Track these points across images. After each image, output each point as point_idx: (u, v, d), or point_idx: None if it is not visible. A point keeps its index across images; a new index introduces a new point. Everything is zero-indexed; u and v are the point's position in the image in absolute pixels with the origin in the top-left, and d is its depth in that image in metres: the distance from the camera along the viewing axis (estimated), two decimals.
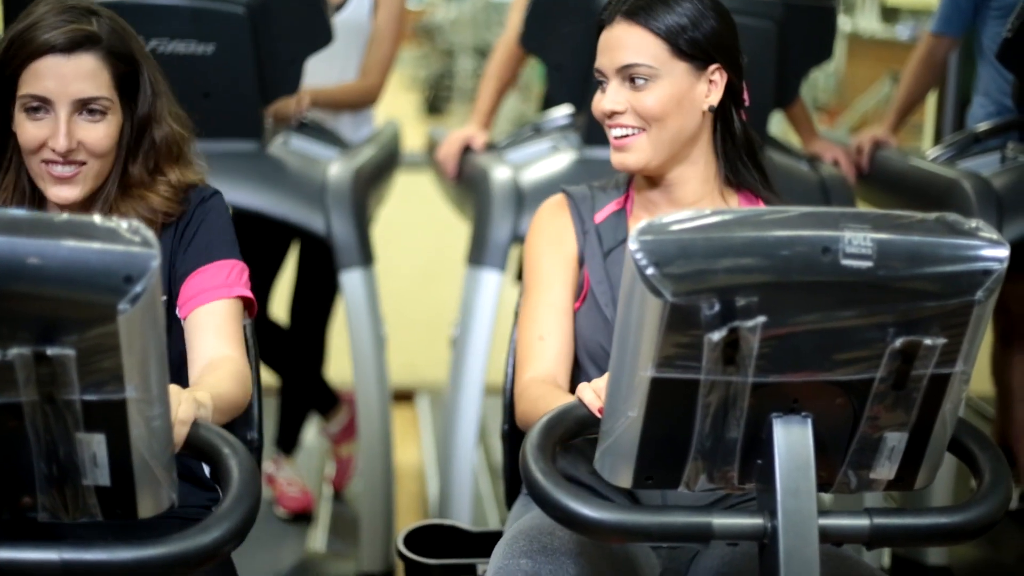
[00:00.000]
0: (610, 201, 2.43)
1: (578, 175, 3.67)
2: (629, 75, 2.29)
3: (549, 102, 4.58)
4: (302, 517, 4.41)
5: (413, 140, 5.89)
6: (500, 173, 3.75)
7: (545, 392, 2.22)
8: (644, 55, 2.28)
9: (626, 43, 2.29)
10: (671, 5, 2.29)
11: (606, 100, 2.31)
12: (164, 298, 2.19)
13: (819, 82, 10.58)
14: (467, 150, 4.08)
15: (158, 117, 2.27)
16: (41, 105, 2.15)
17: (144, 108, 2.26)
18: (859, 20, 11.09)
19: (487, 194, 3.72)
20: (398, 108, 17.12)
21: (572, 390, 2.36)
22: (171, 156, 2.29)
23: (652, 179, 2.37)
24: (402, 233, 7.06)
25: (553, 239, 2.41)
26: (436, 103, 17.21)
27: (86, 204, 2.25)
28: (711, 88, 2.31)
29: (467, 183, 3.99)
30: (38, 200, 2.26)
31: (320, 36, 3.77)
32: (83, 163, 2.19)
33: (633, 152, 2.30)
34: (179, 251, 2.27)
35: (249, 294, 2.28)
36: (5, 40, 2.17)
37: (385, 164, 4.35)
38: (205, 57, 3.50)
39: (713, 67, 2.29)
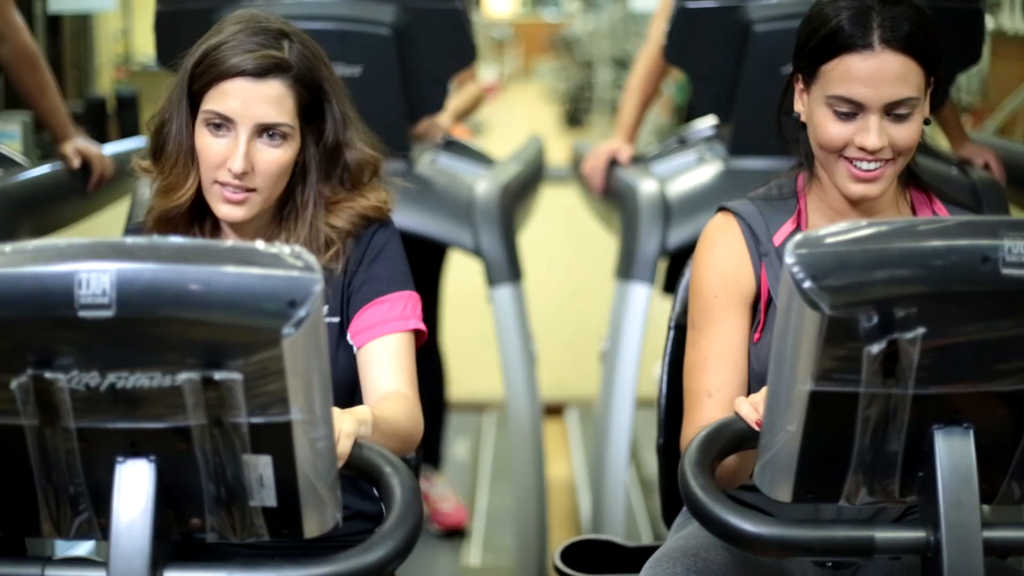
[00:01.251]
0: (784, 218, 2.27)
1: (725, 186, 3.66)
2: (894, 109, 2.13)
3: (693, 113, 4.57)
4: (455, 532, 4.44)
5: (554, 153, 5.91)
6: (647, 186, 3.75)
7: None
8: (912, 87, 2.13)
9: (894, 74, 2.11)
10: (919, 23, 2.14)
11: (871, 137, 2.12)
12: (336, 320, 2.26)
13: (963, 83, 10.42)
14: (613, 163, 4.09)
15: (349, 142, 2.29)
16: (223, 123, 2.17)
17: (333, 135, 2.27)
18: (1002, 18, 10.90)
19: (634, 207, 3.72)
20: (538, 121, 17.22)
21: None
22: (365, 177, 2.31)
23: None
24: (548, 247, 7.08)
25: (725, 272, 2.25)
26: (576, 115, 17.25)
27: (263, 225, 2.28)
28: (926, 100, 2.19)
29: (614, 197, 3.99)
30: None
31: (465, 54, 3.80)
32: (253, 189, 2.19)
33: (880, 183, 2.17)
34: (357, 275, 2.28)
35: (422, 326, 2.28)
36: (196, 54, 2.18)
37: (530, 179, 4.38)
38: (352, 79, 3.54)
39: (933, 79, 2.19)
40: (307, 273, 1.50)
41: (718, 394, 2.18)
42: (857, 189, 2.17)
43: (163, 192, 2.25)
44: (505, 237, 3.73)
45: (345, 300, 2.27)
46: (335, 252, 2.26)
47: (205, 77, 2.17)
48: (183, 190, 2.22)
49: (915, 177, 2.31)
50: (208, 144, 2.18)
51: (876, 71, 2.11)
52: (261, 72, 2.16)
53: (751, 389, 2.23)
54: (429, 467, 4.55)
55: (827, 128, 2.16)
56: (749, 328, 2.24)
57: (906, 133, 2.14)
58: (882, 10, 2.12)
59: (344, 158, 2.28)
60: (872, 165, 2.15)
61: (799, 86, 2.24)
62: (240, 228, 2.25)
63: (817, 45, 2.16)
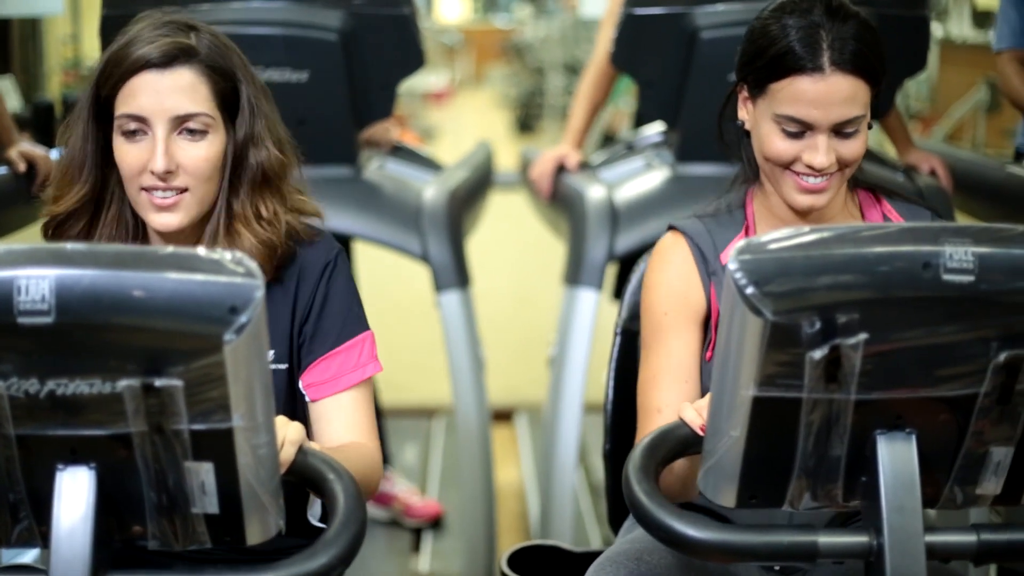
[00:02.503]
0: (731, 235, 2.27)
1: (673, 192, 3.68)
2: (841, 129, 2.15)
3: (640, 120, 4.59)
4: (435, 523, 4.48)
5: (505, 159, 5.91)
6: (595, 192, 3.76)
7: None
8: (860, 106, 2.14)
9: (843, 96, 2.13)
10: (867, 41, 2.15)
11: (819, 156, 2.14)
12: (284, 367, 2.17)
13: (912, 90, 10.49)
14: (561, 169, 4.09)
15: (256, 139, 2.15)
16: (139, 127, 2.06)
17: (243, 129, 2.14)
18: (951, 26, 10.96)
19: (582, 213, 3.72)
20: (489, 127, 17.23)
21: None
22: (266, 184, 2.17)
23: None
24: (497, 253, 7.08)
25: (675, 290, 2.25)
26: (527, 121, 17.26)
27: (191, 239, 2.16)
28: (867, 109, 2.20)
29: (562, 202, 4.00)
30: (142, 235, 2.18)
31: (412, 60, 3.79)
32: (184, 189, 2.08)
33: (827, 194, 2.19)
34: (308, 324, 2.18)
35: (379, 366, 2.20)
36: (101, 61, 2.09)
37: (479, 185, 4.38)
38: (299, 84, 3.54)
39: (875, 90, 2.20)
40: (248, 279, 1.49)
41: (668, 410, 2.17)
42: (804, 200, 2.19)
43: (51, 200, 2.16)
44: (453, 243, 3.73)
45: (296, 349, 2.19)
46: (269, 270, 2.13)
47: (112, 79, 2.07)
48: (66, 200, 2.13)
49: (860, 183, 2.33)
50: (125, 153, 2.08)
51: (825, 93, 2.12)
52: (167, 60, 2.06)
53: None
54: (387, 467, 4.54)
55: (774, 144, 2.17)
56: (700, 345, 2.25)
57: (853, 148, 2.17)
58: (831, 28, 2.13)
59: (248, 158, 2.15)
60: (819, 180, 2.17)
61: (743, 95, 2.25)
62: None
63: (766, 64, 2.16)
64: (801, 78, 2.12)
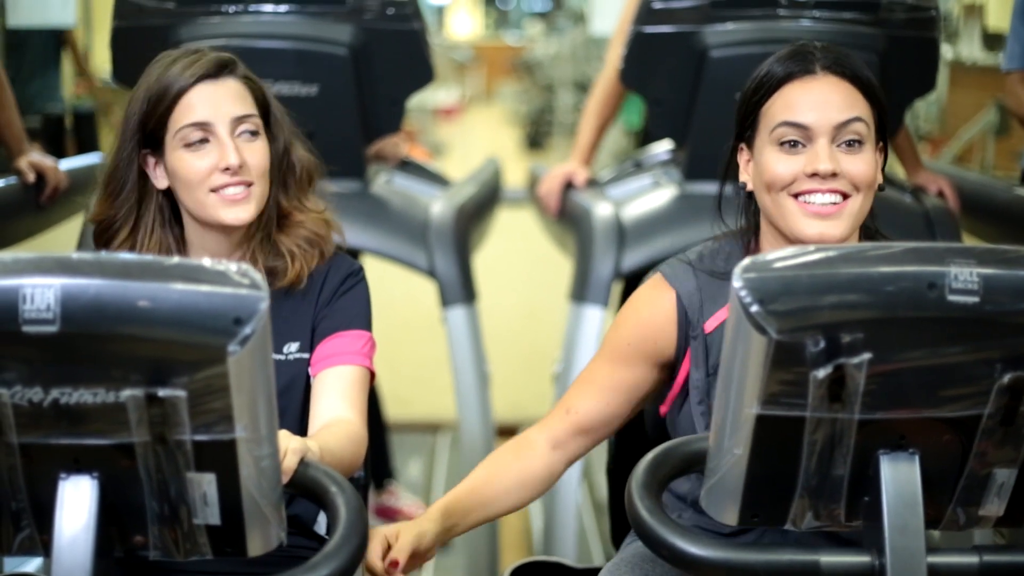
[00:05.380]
0: (721, 305, 2.17)
1: (680, 210, 3.67)
2: (843, 135, 2.10)
3: (648, 137, 4.59)
4: None
5: (515, 175, 5.92)
6: (602, 209, 3.76)
7: (506, 455, 2.27)
8: (857, 109, 2.10)
9: (838, 98, 2.10)
10: (858, 62, 2.13)
11: (821, 160, 2.08)
12: (307, 356, 2.29)
13: (921, 111, 10.49)
14: (569, 186, 4.09)
15: (292, 145, 2.35)
16: (203, 135, 2.20)
17: (280, 134, 2.32)
18: (961, 47, 10.97)
19: (589, 230, 3.72)
20: (499, 143, 17.23)
21: None
22: (309, 183, 2.37)
23: None
24: (504, 269, 7.08)
25: (647, 334, 2.24)
26: (537, 138, 17.27)
27: (234, 248, 2.30)
28: (879, 156, 2.16)
29: (569, 219, 4.00)
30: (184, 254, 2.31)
31: (422, 75, 3.80)
32: (251, 183, 2.23)
33: (840, 221, 2.10)
34: (322, 309, 2.31)
35: (374, 369, 2.31)
36: (142, 98, 2.23)
37: (486, 201, 4.38)
38: (309, 98, 3.54)
39: (880, 144, 2.16)
40: (253, 291, 1.50)
41: (574, 415, 2.25)
42: (814, 228, 2.10)
43: (95, 210, 2.32)
44: (459, 258, 3.73)
45: (312, 335, 2.31)
46: (297, 271, 2.29)
47: (163, 103, 2.21)
48: (108, 210, 2.28)
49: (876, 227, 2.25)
50: (189, 163, 2.21)
51: (820, 93, 2.10)
52: (218, 71, 2.23)
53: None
54: (392, 481, 4.54)
55: (774, 166, 2.12)
56: (649, 386, 2.26)
57: (858, 164, 2.10)
58: (822, 50, 2.13)
59: (292, 160, 2.33)
60: (827, 198, 2.10)
61: (744, 156, 2.21)
62: (209, 247, 2.29)
63: (754, 90, 2.15)
64: (792, 85, 2.11)
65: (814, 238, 2.09)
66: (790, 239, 2.13)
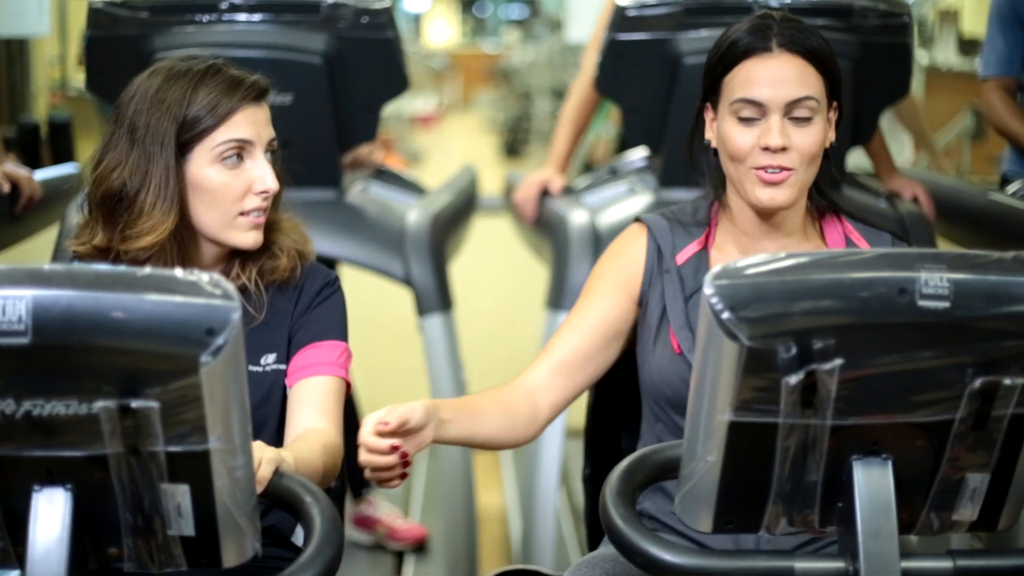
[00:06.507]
0: (691, 240, 2.36)
1: None
2: (794, 111, 2.23)
3: (624, 145, 4.59)
4: (419, 547, 4.48)
5: (492, 183, 5.91)
6: (578, 216, 3.77)
7: (491, 391, 2.32)
8: (811, 88, 2.23)
9: (792, 75, 2.23)
10: (818, 36, 2.26)
11: (773, 135, 2.21)
12: (284, 367, 2.28)
13: None
14: (544, 194, 4.09)
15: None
16: (241, 152, 2.20)
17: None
18: (937, 53, 11.00)
19: (565, 238, 3.73)
20: (476, 151, 17.24)
21: (646, 433, 2.38)
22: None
23: (761, 212, 2.31)
24: (480, 277, 7.08)
25: (621, 267, 2.39)
26: (514, 145, 17.28)
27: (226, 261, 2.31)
28: (829, 126, 2.29)
29: (545, 227, 4.00)
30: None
31: (396, 83, 3.80)
32: (266, 208, 2.25)
33: (786, 188, 2.24)
34: (299, 320, 2.31)
35: (350, 380, 2.31)
36: (174, 113, 2.18)
37: (462, 209, 4.38)
38: (283, 107, 3.53)
39: (835, 103, 2.29)
40: (225, 301, 1.49)
41: (552, 355, 2.35)
42: (764, 194, 2.25)
43: (127, 239, 2.21)
44: (435, 266, 3.74)
45: (289, 346, 2.30)
46: (291, 263, 2.30)
47: (207, 120, 2.18)
48: (156, 234, 2.19)
49: (823, 198, 2.38)
50: (226, 180, 2.20)
51: (774, 72, 2.23)
52: (259, 95, 2.24)
53: (662, 411, 2.31)
54: (369, 490, 4.54)
55: (734, 137, 2.26)
56: (622, 315, 2.36)
57: (807, 138, 2.24)
58: (780, 23, 2.25)
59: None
60: (777, 172, 2.23)
61: (709, 115, 2.34)
62: (207, 261, 2.28)
63: (719, 60, 2.28)
64: (750, 61, 2.24)
65: (764, 204, 2.26)
66: (746, 201, 2.31)
